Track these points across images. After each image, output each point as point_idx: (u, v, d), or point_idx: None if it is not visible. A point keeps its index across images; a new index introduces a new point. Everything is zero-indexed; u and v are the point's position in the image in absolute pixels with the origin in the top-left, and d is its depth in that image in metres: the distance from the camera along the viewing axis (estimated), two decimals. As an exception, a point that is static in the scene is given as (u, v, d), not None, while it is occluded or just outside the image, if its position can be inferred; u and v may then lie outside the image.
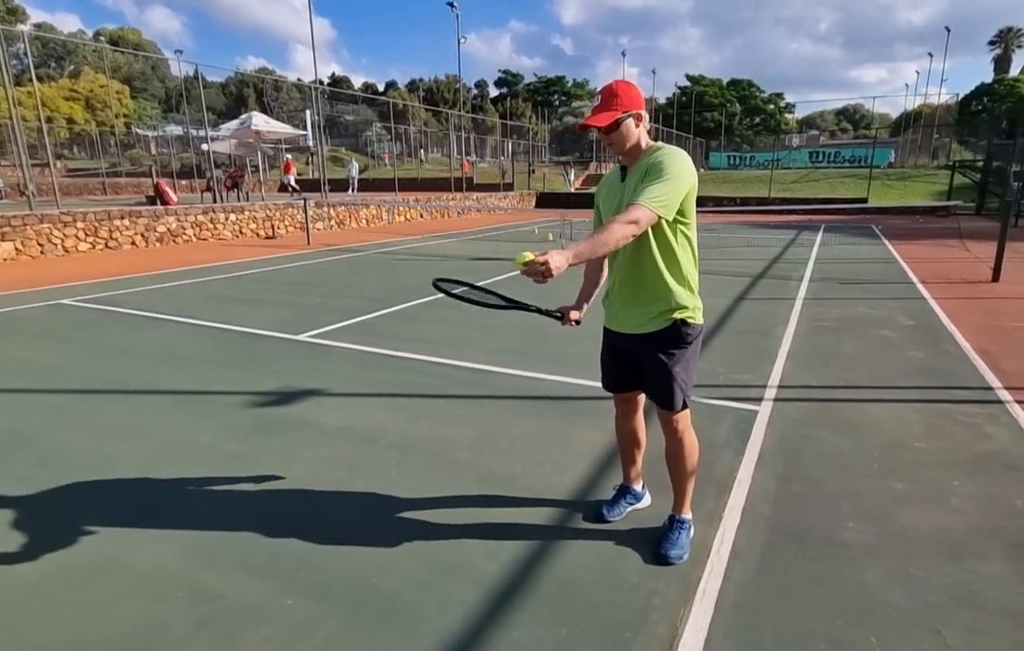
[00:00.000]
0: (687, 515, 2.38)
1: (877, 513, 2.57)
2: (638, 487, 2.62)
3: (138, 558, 2.30)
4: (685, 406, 2.21)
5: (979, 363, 4.66)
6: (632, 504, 2.59)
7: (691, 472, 2.31)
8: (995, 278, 8.27)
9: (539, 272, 1.64)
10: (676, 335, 2.12)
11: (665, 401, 2.19)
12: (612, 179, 2.23)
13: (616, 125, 2.01)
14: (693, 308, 2.14)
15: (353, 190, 25.16)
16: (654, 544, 2.32)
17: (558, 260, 1.64)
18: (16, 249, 10.71)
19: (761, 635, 1.89)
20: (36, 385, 4.31)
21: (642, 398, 2.44)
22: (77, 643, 1.89)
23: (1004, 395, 3.98)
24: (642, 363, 2.22)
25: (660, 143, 2.06)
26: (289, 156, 21.52)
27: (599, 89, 2.08)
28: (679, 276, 2.10)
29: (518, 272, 1.67)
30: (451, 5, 28.78)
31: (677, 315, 2.11)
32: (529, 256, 1.62)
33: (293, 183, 22.67)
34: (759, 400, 3.89)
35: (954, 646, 1.84)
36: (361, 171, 29.81)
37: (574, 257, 1.70)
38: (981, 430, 3.43)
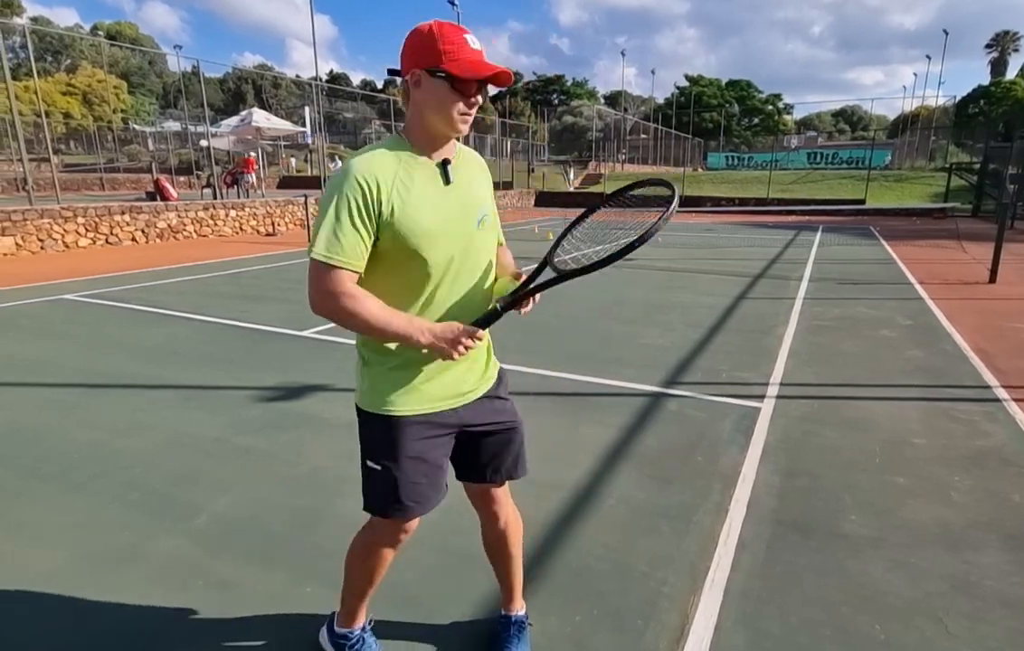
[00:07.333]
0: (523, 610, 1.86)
1: (878, 507, 2.63)
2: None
3: (154, 549, 2.34)
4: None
5: (976, 362, 4.73)
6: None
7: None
8: (992, 279, 8.35)
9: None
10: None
11: (523, 463, 1.67)
12: (423, 179, 1.34)
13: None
14: None
15: None
16: None
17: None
18: (16, 244, 10.69)
19: (769, 623, 1.93)
20: (38, 380, 4.33)
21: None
22: (95, 632, 1.92)
23: (1001, 393, 4.04)
24: (491, 431, 1.59)
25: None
26: (253, 154, 20.47)
27: (473, 38, 1.30)
28: None
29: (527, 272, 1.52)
30: (451, 3, 28.74)
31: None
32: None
33: (254, 181, 19.11)
34: (761, 397, 3.94)
35: (955, 633, 1.89)
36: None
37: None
38: (979, 427, 3.49)
